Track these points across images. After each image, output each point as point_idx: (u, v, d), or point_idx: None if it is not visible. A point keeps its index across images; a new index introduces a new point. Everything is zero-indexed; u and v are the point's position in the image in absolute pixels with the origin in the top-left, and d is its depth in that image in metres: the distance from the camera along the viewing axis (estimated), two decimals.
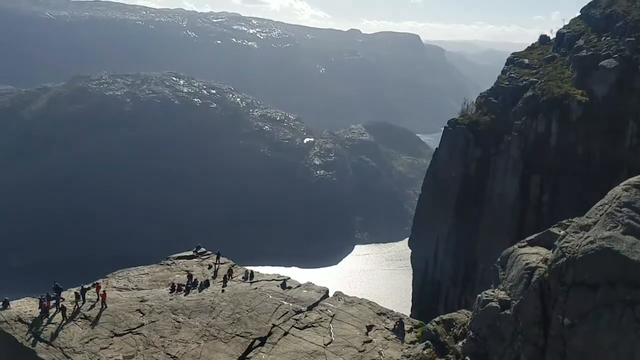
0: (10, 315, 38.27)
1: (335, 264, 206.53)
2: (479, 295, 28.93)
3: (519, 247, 29.04)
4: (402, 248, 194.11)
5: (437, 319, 35.72)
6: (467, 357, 28.58)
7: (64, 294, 40.23)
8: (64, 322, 37.77)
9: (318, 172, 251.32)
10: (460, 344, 30.86)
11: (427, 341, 34.07)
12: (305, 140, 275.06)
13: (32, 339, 36.28)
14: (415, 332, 38.27)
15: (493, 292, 28.34)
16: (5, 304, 39.45)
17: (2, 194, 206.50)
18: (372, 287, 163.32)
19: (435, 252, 79.69)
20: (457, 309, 39.38)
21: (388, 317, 40.67)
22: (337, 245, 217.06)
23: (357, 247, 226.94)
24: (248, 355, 35.67)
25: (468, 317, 32.76)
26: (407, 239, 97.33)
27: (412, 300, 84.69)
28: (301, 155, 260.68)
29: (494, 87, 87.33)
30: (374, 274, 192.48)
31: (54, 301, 39.58)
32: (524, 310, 25.42)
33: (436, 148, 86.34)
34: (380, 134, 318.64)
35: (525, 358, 25.05)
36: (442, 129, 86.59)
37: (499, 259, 30.14)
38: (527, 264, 26.59)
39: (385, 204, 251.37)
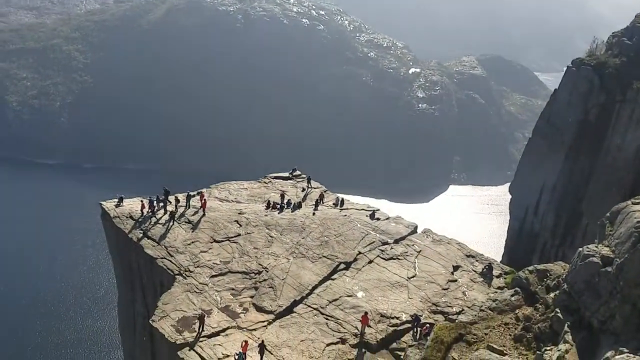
0: (123, 211, 42.52)
1: (427, 201, 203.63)
2: (580, 249, 27.56)
3: (633, 203, 27.14)
4: (500, 193, 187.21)
5: (530, 267, 34.59)
6: (557, 309, 27.62)
7: (171, 198, 43.71)
8: (171, 223, 41.26)
9: (420, 105, 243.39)
10: (552, 295, 29.83)
11: (517, 288, 33.27)
12: (411, 70, 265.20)
13: (141, 235, 40.19)
14: (505, 278, 37.37)
15: (596, 247, 26.79)
16: (120, 201, 43.70)
17: (121, 101, 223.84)
18: (463, 229, 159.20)
19: (538, 201, 75.25)
20: (553, 262, 37.64)
21: (477, 260, 39.98)
22: (431, 183, 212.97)
23: (452, 187, 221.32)
24: (333, 277, 37.07)
25: (564, 269, 31.39)
26: (507, 184, 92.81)
27: (505, 248, 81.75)
28: (405, 86, 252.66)
29: (630, 26, 77.03)
30: (466, 216, 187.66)
31: (162, 203, 43.18)
32: (628, 270, 24.05)
33: (555, 89, 79.05)
34: (494, 69, 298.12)
35: (621, 318, 23.88)
36: (564, 68, 78.98)
37: (608, 214, 28.29)
38: (638, 222, 24.88)
39: (488, 145, 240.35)
